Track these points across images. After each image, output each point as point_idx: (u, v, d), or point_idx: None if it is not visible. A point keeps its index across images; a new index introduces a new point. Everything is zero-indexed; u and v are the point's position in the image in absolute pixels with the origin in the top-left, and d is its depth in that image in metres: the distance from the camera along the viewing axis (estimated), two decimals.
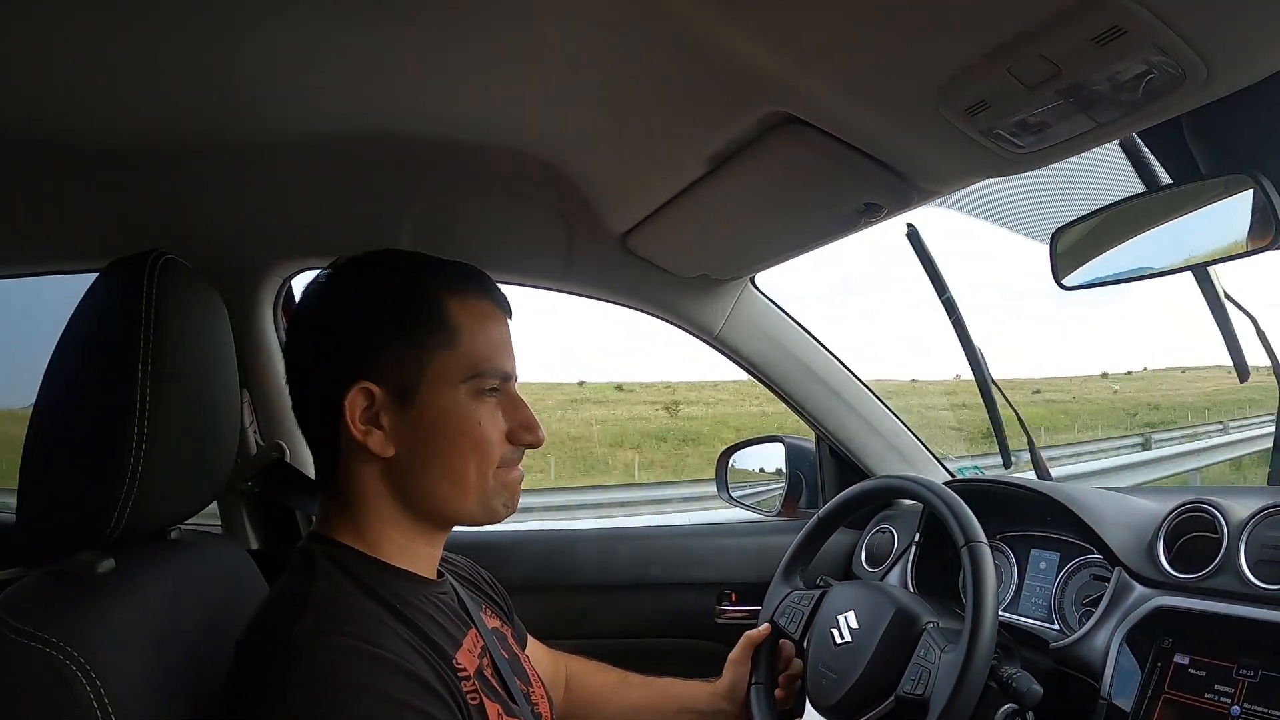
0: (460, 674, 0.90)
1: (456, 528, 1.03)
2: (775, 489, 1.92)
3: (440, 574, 1.04)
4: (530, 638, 1.29)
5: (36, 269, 1.60)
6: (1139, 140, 1.16)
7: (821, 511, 1.40)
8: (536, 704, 1.06)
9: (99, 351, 0.88)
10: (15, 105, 1.10)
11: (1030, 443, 1.80)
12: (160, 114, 1.12)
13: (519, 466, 1.01)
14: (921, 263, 1.68)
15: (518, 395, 1.01)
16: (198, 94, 1.07)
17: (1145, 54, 0.72)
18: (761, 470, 1.97)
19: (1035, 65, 0.76)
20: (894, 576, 1.55)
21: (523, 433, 0.99)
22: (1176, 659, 1.08)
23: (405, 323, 0.94)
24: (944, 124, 0.89)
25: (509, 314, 1.03)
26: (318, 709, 0.76)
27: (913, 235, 1.62)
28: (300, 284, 1.62)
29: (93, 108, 1.10)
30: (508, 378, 0.99)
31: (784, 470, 1.90)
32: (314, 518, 1.58)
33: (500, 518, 1.00)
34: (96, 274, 0.93)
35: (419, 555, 0.98)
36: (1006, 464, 1.85)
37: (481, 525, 1.01)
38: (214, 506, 1.60)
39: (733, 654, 1.36)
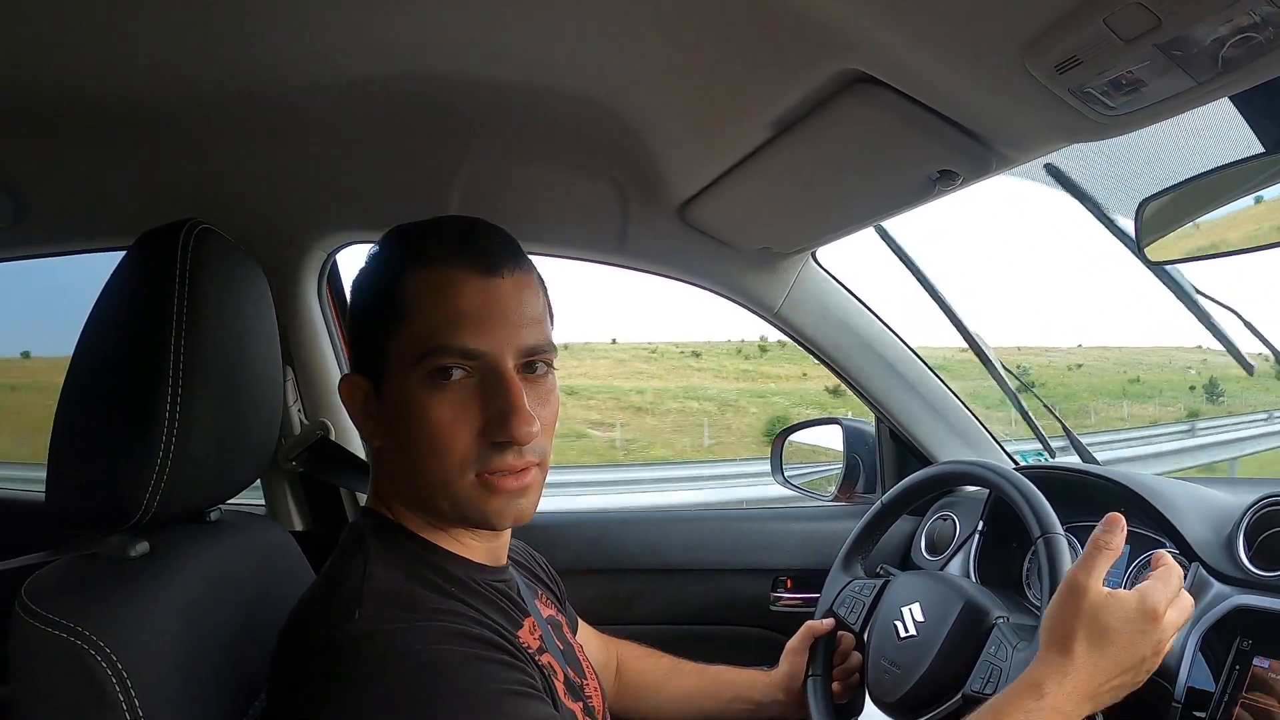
0: (525, 649, 0.86)
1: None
2: (830, 471, 1.88)
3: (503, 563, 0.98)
4: (581, 622, 1.26)
5: (66, 248, 1.60)
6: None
7: (885, 497, 1.35)
8: (590, 696, 1.02)
9: (130, 325, 0.86)
10: (34, 68, 1.08)
11: (1065, 429, 1.74)
12: (188, 69, 1.08)
13: (521, 464, 0.85)
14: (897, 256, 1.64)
15: (503, 378, 0.83)
16: (228, 47, 1.03)
17: (1252, 5, 0.66)
18: (817, 451, 1.92)
19: (1134, 15, 0.70)
20: (955, 566, 1.50)
21: (494, 428, 0.82)
22: (1256, 662, 1.02)
23: (369, 304, 0.88)
24: (1030, 82, 0.82)
25: (496, 274, 0.85)
26: (408, 693, 0.72)
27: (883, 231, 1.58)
28: (344, 259, 1.63)
29: (113, 65, 1.07)
30: (473, 355, 0.82)
31: (841, 453, 1.84)
32: (358, 494, 1.59)
33: (491, 526, 0.87)
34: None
35: (468, 546, 0.92)
36: (1050, 454, 1.78)
37: (476, 530, 0.90)
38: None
39: (791, 642, 1.32)
